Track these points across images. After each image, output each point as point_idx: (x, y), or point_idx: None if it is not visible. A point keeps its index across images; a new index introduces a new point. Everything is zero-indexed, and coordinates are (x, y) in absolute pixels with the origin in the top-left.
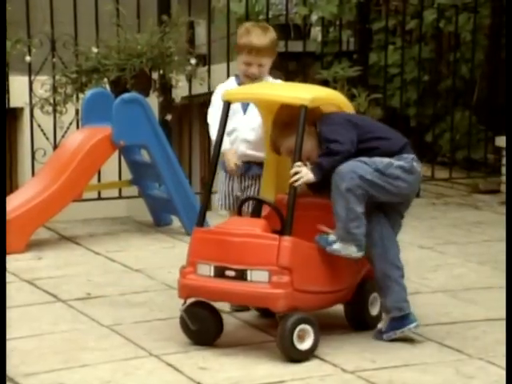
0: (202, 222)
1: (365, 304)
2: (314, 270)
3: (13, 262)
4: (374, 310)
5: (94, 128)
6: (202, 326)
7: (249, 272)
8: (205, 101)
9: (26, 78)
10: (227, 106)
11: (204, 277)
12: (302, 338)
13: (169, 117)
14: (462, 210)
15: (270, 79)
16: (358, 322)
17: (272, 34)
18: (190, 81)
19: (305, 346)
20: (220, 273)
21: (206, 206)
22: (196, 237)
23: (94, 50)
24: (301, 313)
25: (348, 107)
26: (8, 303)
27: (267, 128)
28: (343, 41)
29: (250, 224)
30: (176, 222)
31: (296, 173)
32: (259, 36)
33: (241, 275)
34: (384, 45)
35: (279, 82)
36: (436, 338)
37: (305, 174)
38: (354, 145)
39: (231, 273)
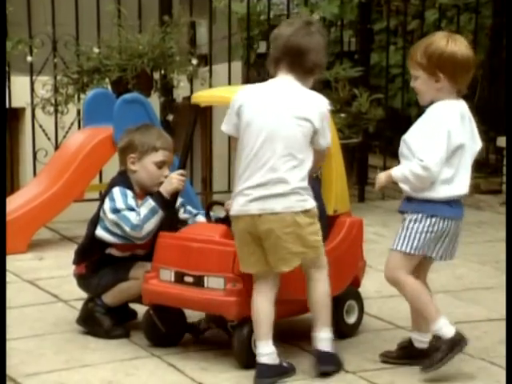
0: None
1: (339, 312)
2: None
3: (14, 262)
4: (351, 319)
5: (95, 128)
6: (171, 328)
7: (205, 278)
8: None
9: (27, 78)
10: (196, 109)
11: (165, 282)
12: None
13: (170, 117)
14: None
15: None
16: (333, 330)
17: (428, 48)
18: (191, 81)
19: None
20: (179, 278)
21: None
22: (159, 241)
23: (96, 50)
24: None
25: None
26: (9, 303)
27: None
28: (344, 41)
29: (210, 230)
30: None
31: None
32: (415, 47)
33: (198, 281)
34: (385, 45)
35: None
36: None
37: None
38: None
39: (189, 279)
